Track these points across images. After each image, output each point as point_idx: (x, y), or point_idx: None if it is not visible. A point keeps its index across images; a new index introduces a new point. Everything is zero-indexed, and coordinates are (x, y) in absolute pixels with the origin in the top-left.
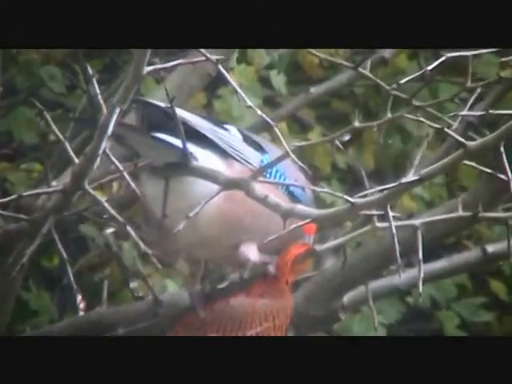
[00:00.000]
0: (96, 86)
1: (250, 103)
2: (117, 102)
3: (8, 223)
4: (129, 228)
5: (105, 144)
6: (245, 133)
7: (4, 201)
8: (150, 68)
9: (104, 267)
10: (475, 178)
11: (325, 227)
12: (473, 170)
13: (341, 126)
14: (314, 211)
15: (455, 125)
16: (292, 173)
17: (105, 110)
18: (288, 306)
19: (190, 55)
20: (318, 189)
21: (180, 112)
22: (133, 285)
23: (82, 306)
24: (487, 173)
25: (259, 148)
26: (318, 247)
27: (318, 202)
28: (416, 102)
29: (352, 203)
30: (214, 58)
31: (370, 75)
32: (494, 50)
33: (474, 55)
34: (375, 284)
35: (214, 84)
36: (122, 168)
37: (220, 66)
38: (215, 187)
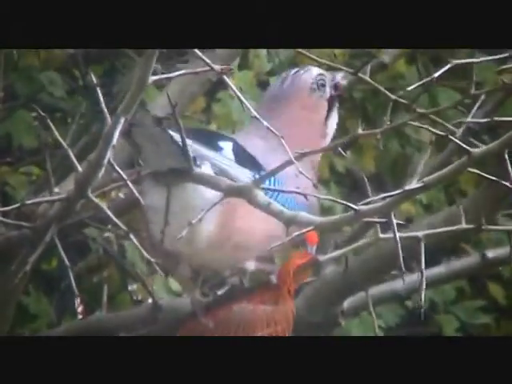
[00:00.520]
0: (100, 95)
1: (255, 114)
2: (121, 111)
3: (10, 230)
4: (132, 236)
5: (109, 153)
6: (240, 148)
7: (7, 209)
8: (155, 77)
9: (102, 269)
10: (474, 182)
11: (325, 232)
12: (472, 175)
13: (338, 130)
14: (317, 218)
15: (459, 132)
16: (293, 183)
17: (109, 120)
18: (290, 313)
19: (191, 62)
20: (321, 196)
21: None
22: (131, 288)
23: (80, 309)
24: (487, 180)
25: (254, 164)
26: (321, 257)
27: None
28: (419, 110)
29: (356, 210)
30: (217, 67)
31: (370, 80)
32: (492, 52)
33: (473, 65)
34: (375, 290)
35: (214, 88)
36: (125, 177)
37: (224, 76)
38: (218, 194)
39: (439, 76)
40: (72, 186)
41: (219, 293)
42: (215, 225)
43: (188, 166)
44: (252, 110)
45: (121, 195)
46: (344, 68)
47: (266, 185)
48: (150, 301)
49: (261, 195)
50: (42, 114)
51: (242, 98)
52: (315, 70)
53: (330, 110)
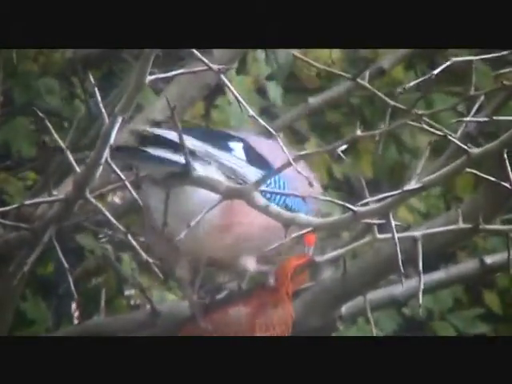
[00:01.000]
0: (97, 94)
1: (252, 113)
2: (119, 111)
3: (8, 232)
4: (130, 237)
5: (107, 153)
6: (251, 147)
7: (6, 209)
8: (153, 77)
9: (99, 274)
10: (472, 189)
11: (323, 238)
12: (469, 180)
13: (334, 136)
14: (315, 220)
15: (458, 133)
16: (294, 184)
17: (106, 119)
18: (288, 316)
19: (189, 65)
20: (320, 197)
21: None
22: (128, 293)
23: (76, 314)
24: (486, 183)
25: (264, 163)
26: (318, 258)
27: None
28: (417, 111)
29: (354, 211)
30: (215, 67)
31: (369, 86)
32: (490, 54)
33: (470, 66)
34: (373, 295)
35: (212, 94)
36: (123, 177)
37: (222, 76)
38: (217, 196)
39: (437, 79)
40: (70, 188)
41: (217, 297)
42: (216, 216)
43: (187, 169)
44: (249, 110)
45: (116, 200)
46: (342, 73)
47: (271, 185)
48: (148, 306)
49: (259, 197)
50: (41, 114)
51: (240, 97)
52: None
53: None
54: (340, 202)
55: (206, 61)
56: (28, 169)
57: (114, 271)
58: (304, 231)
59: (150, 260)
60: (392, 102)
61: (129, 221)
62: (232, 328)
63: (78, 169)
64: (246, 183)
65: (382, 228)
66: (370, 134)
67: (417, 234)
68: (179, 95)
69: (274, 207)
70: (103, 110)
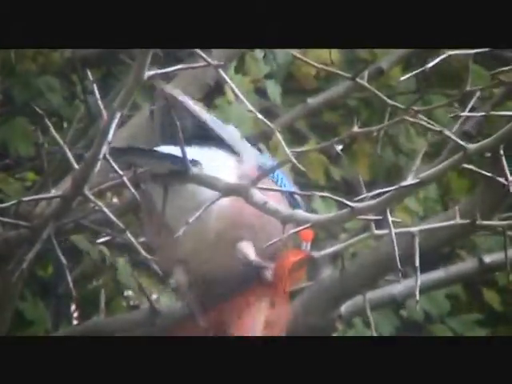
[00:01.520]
0: (96, 91)
1: (251, 107)
2: (117, 106)
3: (7, 231)
4: (129, 234)
5: (105, 149)
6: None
7: (5, 206)
8: (152, 72)
9: (98, 276)
10: (467, 191)
11: (321, 230)
12: (465, 183)
13: (332, 136)
14: (313, 216)
15: (454, 128)
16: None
17: (105, 115)
18: (285, 313)
19: (189, 62)
20: (317, 193)
21: (193, 106)
22: (127, 293)
23: (75, 314)
24: (482, 184)
25: (257, 147)
26: (316, 254)
27: (312, 213)
28: (414, 108)
29: (351, 207)
30: (214, 63)
31: (368, 86)
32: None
33: (467, 67)
34: (372, 294)
35: (212, 94)
36: (121, 173)
37: (220, 71)
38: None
39: (434, 81)
40: (68, 185)
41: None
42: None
43: (186, 168)
44: (248, 105)
45: (115, 200)
46: (341, 73)
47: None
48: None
49: (257, 194)
50: (40, 111)
51: (239, 93)
52: None
53: None
54: (337, 198)
55: (205, 56)
56: (27, 169)
57: (112, 272)
58: (302, 227)
59: (149, 257)
60: (390, 102)
61: (128, 220)
62: (230, 326)
63: (75, 165)
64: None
65: (380, 226)
66: (368, 131)
67: (414, 229)
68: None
69: (272, 204)
70: (101, 107)
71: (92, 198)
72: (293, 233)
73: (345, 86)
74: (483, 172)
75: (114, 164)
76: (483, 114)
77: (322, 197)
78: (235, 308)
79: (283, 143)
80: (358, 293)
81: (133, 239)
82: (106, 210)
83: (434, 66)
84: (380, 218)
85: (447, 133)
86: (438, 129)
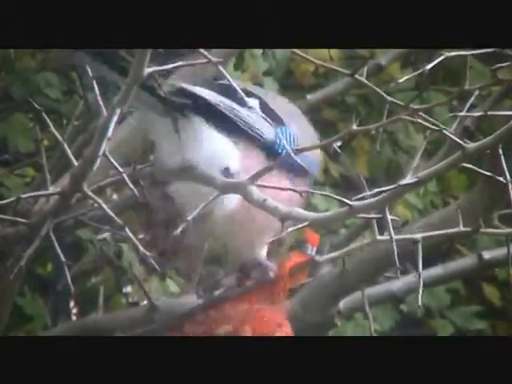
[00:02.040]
0: (95, 87)
1: (251, 104)
2: (116, 103)
3: (5, 228)
4: (127, 230)
5: (104, 146)
6: (267, 105)
7: (4, 202)
8: (150, 69)
9: (97, 272)
10: (466, 188)
11: (320, 228)
12: (464, 179)
13: (330, 134)
14: (312, 214)
15: (453, 127)
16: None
17: (104, 112)
18: (281, 314)
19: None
20: (317, 192)
21: (197, 90)
22: (126, 290)
23: (74, 311)
24: (482, 180)
25: (279, 121)
26: (319, 258)
27: (311, 209)
28: (413, 106)
29: (350, 206)
30: (214, 59)
31: (367, 82)
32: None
33: (466, 66)
34: (371, 290)
35: None
36: (120, 169)
37: (220, 67)
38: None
39: (434, 78)
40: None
41: (216, 293)
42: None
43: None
44: (247, 100)
45: (115, 197)
46: (340, 70)
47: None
48: (146, 302)
49: (256, 192)
50: (38, 107)
51: (238, 88)
52: None
53: None
54: (336, 197)
55: (206, 53)
56: (26, 165)
57: (112, 268)
58: (301, 225)
59: (148, 253)
60: (389, 98)
61: (127, 217)
62: (230, 325)
63: (75, 162)
64: (255, 133)
65: (379, 223)
66: (366, 129)
67: (417, 236)
68: None
69: (271, 202)
70: (101, 103)
71: (91, 194)
72: (293, 230)
73: (344, 82)
74: (482, 171)
75: (113, 160)
76: (481, 113)
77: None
78: (237, 306)
79: (284, 142)
80: (358, 289)
81: (132, 236)
82: (104, 206)
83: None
84: (379, 216)
85: (446, 133)
86: (437, 128)
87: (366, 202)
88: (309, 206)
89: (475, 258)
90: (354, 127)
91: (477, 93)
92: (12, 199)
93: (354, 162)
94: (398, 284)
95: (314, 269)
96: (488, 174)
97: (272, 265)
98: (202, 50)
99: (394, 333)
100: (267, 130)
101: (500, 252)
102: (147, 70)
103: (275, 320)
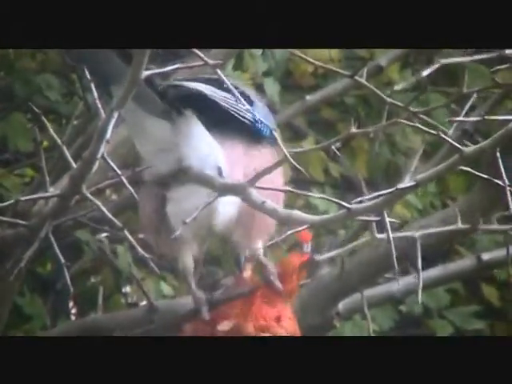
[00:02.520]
0: (94, 89)
1: (247, 106)
2: (115, 106)
3: (5, 229)
4: (126, 232)
5: (103, 148)
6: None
7: (3, 205)
8: (148, 72)
9: (96, 272)
10: (465, 190)
11: (319, 231)
12: (462, 182)
13: (330, 134)
14: (311, 217)
15: (451, 131)
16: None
17: (103, 114)
18: (287, 315)
19: (187, 62)
20: (315, 195)
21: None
22: (125, 290)
23: (73, 311)
24: (480, 182)
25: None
26: (318, 257)
27: (311, 209)
28: (412, 109)
29: (348, 209)
30: (212, 62)
31: (367, 83)
32: (485, 55)
33: (465, 66)
34: (370, 291)
35: None
36: (119, 172)
37: (218, 70)
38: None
39: (432, 81)
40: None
41: (216, 294)
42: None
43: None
44: (245, 103)
45: (114, 197)
46: (340, 71)
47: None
48: (145, 302)
49: (255, 194)
50: (37, 110)
51: (235, 90)
52: None
53: None
54: (334, 200)
55: (203, 56)
56: (25, 165)
57: (111, 268)
58: (300, 228)
59: (147, 255)
60: (389, 99)
61: (126, 218)
62: (231, 321)
63: (73, 164)
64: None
65: (378, 226)
66: (365, 131)
67: (416, 234)
68: None
69: (269, 204)
70: (99, 105)
71: (90, 196)
72: (290, 233)
73: (343, 83)
74: (480, 174)
75: (111, 163)
76: (479, 118)
77: (320, 192)
78: (239, 308)
79: (281, 143)
80: (357, 290)
81: (130, 237)
82: (103, 208)
83: (433, 63)
84: (377, 219)
85: (444, 136)
86: (435, 133)
87: (364, 205)
88: (309, 207)
89: (474, 259)
90: (353, 130)
91: (475, 96)
92: (11, 202)
93: (353, 163)
94: (397, 285)
95: (312, 268)
96: (486, 177)
97: (273, 267)
98: (199, 53)
99: (393, 333)
100: (251, 114)
101: (499, 253)
102: (145, 73)
103: (278, 316)
